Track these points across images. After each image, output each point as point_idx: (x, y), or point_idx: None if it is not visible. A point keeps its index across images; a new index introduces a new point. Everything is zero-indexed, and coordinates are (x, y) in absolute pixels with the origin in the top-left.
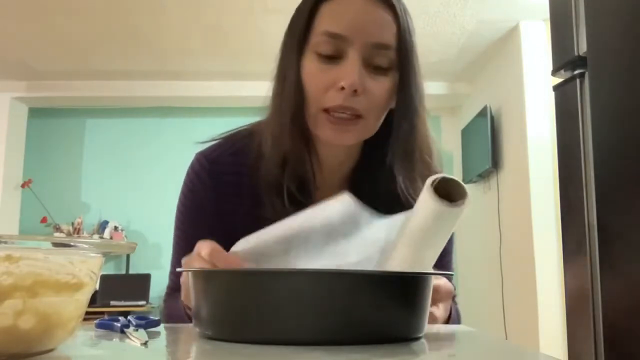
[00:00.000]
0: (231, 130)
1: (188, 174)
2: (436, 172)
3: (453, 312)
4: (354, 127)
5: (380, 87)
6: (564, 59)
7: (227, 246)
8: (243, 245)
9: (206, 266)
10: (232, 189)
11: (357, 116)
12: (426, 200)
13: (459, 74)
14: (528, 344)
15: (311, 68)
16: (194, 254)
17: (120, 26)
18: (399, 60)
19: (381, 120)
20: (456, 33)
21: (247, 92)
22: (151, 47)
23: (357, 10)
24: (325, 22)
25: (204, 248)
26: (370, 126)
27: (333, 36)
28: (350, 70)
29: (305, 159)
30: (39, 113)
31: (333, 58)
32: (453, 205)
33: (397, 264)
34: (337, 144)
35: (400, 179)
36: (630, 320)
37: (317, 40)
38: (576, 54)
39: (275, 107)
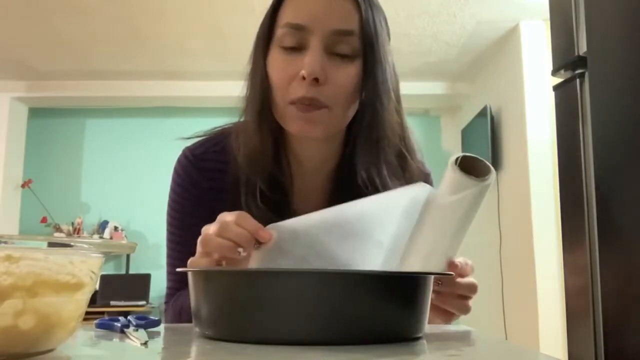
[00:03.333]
0: (216, 128)
1: (175, 170)
2: (416, 165)
3: None
4: (320, 117)
5: (344, 74)
6: (564, 59)
7: None
8: (277, 225)
9: (227, 225)
10: (217, 185)
11: (322, 106)
12: (452, 177)
13: (459, 74)
14: (528, 344)
15: (276, 61)
16: (217, 219)
17: (120, 26)
18: (362, 48)
19: (351, 112)
20: (456, 33)
21: None
22: (151, 47)
23: (317, 1)
24: (287, 14)
25: (230, 214)
26: (338, 116)
27: (294, 27)
28: (310, 59)
29: (277, 156)
30: (39, 113)
31: (296, 49)
32: (480, 180)
33: (423, 250)
34: (305, 136)
35: (362, 169)
36: (630, 321)
37: (280, 33)
38: (576, 54)
39: (246, 106)
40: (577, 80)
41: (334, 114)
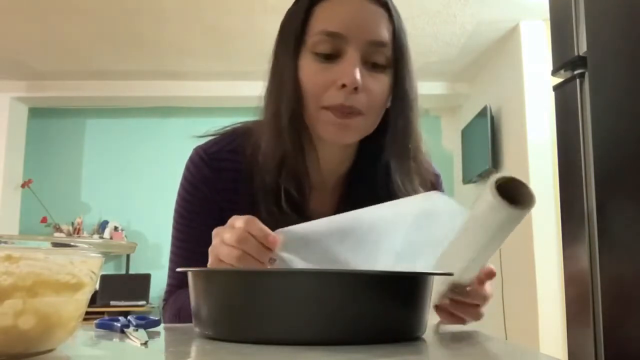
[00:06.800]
0: (227, 127)
1: (187, 168)
2: (425, 168)
3: None
4: (355, 123)
5: (379, 84)
6: (564, 59)
7: None
8: (288, 230)
9: (239, 234)
10: (231, 185)
11: (358, 113)
12: (489, 200)
13: (459, 74)
14: (528, 344)
15: (310, 68)
16: (226, 225)
17: (121, 26)
18: (394, 58)
19: (379, 119)
20: (456, 33)
21: (247, 92)
22: (151, 48)
23: (354, 9)
24: (322, 21)
25: (239, 219)
26: (370, 123)
27: (331, 35)
28: (350, 68)
29: (303, 159)
30: (39, 113)
31: (331, 57)
32: (519, 209)
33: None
34: (337, 141)
35: (397, 177)
36: (630, 321)
37: (315, 40)
38: (576, 54)
39: (272, 109)
40: (577, 80)
41: (367, 121)
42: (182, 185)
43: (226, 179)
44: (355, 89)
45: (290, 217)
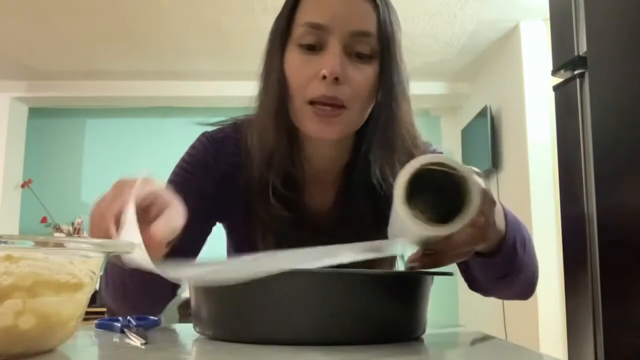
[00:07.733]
0: (229, 120)
1: (191, 148)
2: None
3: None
4: (338, 118)
5: (363, 75)
6: (564, 59)
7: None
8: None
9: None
10: (230, 174)
11: (341, 107)
12: (400, 217)
13: (459, 74)
14: (528, 344)
15: (294, 60)
16: (108, 197)
17: (120, 26)
18: (379, 49)
19: (367, 112)
20: (456, 33)
21: (247, 92)
22: (151, 47)
23: (337, 1)
24: (306, 14)
25: (114, 200)
26: (355, 117)
27: (314, 26)
28: (330, 59)
29: (291, 154)
30: (39, 113)
31: (315, 49)
32: (436, 229)
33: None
34: (322, 137)
35: (376, 167)
36: (630, 321)
37: (299, 32)
38: (576, 54)
39: (260, 103)
40: (577, 80)
41: (351, 115)
42: (178, 164)
43: (226, 166)
44: (337, 79)
45: (284, 214)
